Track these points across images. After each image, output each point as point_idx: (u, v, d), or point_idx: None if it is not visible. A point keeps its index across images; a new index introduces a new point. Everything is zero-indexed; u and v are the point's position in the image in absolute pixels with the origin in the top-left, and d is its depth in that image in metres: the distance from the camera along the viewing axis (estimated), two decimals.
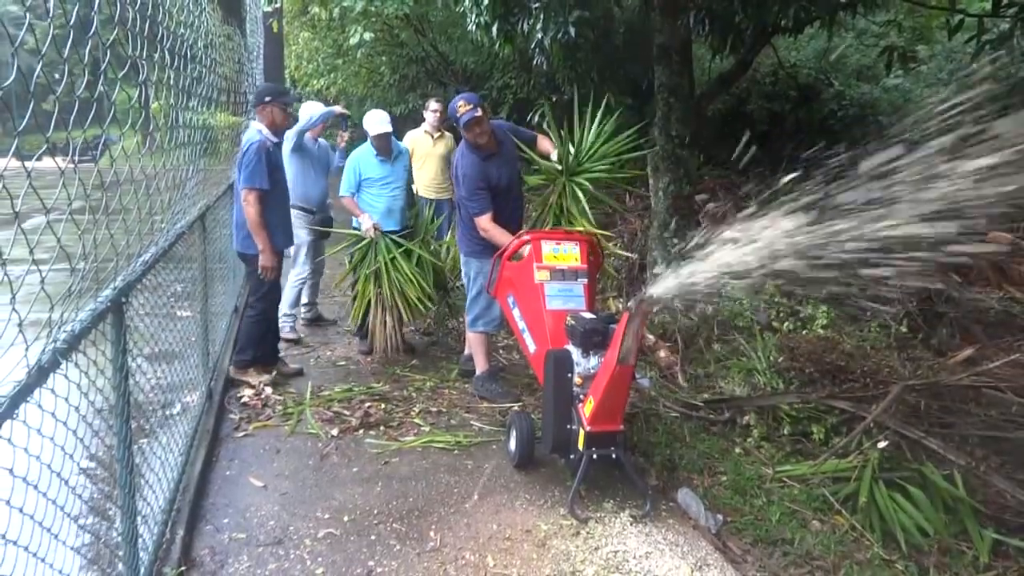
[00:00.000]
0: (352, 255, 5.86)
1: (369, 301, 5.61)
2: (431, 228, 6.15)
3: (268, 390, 5.10)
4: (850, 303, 5.16)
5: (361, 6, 9.20)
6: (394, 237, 5.69)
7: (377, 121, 5.69)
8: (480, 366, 5.21)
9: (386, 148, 5.73)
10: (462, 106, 4.72)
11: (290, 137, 6.17)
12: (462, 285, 5.78)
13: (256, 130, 5.02)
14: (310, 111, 6.26)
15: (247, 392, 5.05)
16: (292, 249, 6.15)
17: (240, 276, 6.95)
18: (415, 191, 7.05)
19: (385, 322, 5.54)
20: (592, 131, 5.18)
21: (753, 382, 5.03)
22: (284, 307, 6.11)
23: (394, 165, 5.79)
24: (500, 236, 4.68)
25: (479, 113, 4.71)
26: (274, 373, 5.31)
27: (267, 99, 5.05)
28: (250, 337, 5.26)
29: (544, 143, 5.18)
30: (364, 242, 5.72)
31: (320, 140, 6.46)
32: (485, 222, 4.78)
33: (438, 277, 6.00)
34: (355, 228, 5.84)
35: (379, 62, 12.34)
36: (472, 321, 5.16)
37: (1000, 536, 3.43)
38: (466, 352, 5.56)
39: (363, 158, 5.76)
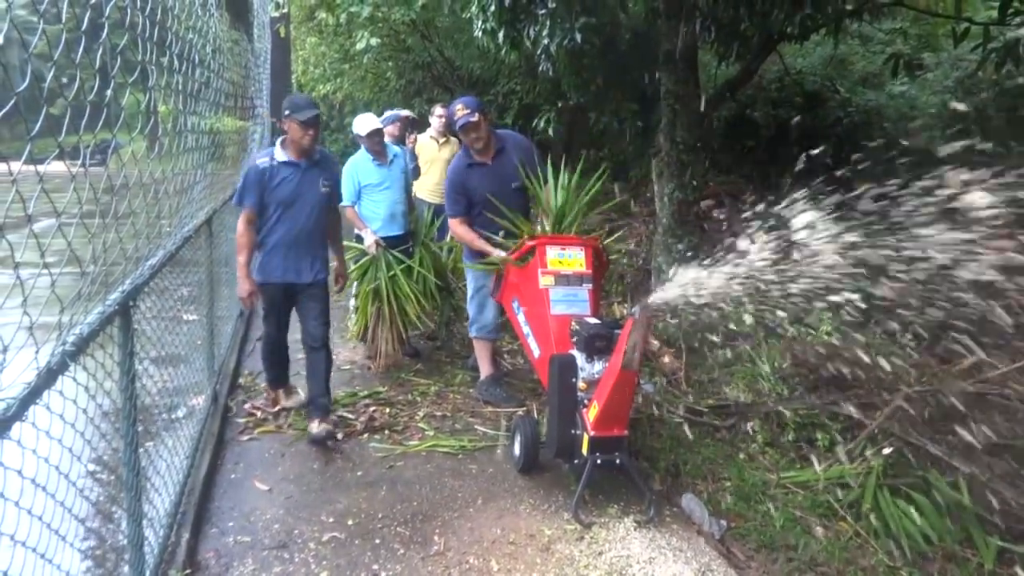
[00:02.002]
0: (357, 268, 5.81)
1: (370, 315, 5.61)
2: (431, 230, 6.15)
3: (292, 407, 4.99)
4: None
5: (368, 12, 9.23)
6: (396, 253, 5.66)
7: (365, 122, 5.72)
8: (484, 371, 5.22)
9: (380, 150, 5.74)
10: (460, 110, 4.76)
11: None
12: (465, 285, 5.82)
13: (271, 147, 4.59)
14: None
15: (259, 402, 5.04)
16: None
17: None
18: (413, 194, 7.10)
19: (387, 338, 5.54)
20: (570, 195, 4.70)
21: (757, 388, 5.03)
22: None
23: (391, 168, 5.78)
24: (466, 235, 4.88)
25: (475, 118, 4.72)
26: (301, 395, 5.03)
27: (286, 112, 4.40)
28: (263, 360, 5.01)
29: (548, 195, 4.76)
30: (366, 257, 5.71)
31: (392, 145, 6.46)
32: (454, 224, 4.98)
33: (440, 278, 5.99)
34: (358, 240, 5.84)
35: (385, 67, 12.36)
36: (470, 326, 5.25)
37: (1005, 543, 3.42)
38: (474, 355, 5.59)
39: (360, 165, 5.74)
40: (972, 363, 5.08)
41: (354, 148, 6.42)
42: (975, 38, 5.53)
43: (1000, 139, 8.59)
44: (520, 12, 6.05)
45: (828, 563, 3.40)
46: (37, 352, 1.89)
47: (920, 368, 4.94)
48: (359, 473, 4.18)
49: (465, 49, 12.03)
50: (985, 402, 4.32)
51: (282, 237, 4.50)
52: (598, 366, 3.84)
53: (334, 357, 6.01)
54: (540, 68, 6.63)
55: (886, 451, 3.91)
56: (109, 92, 2.37)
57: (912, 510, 3.60)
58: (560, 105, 8.63)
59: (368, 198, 5.72)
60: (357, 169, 5.72)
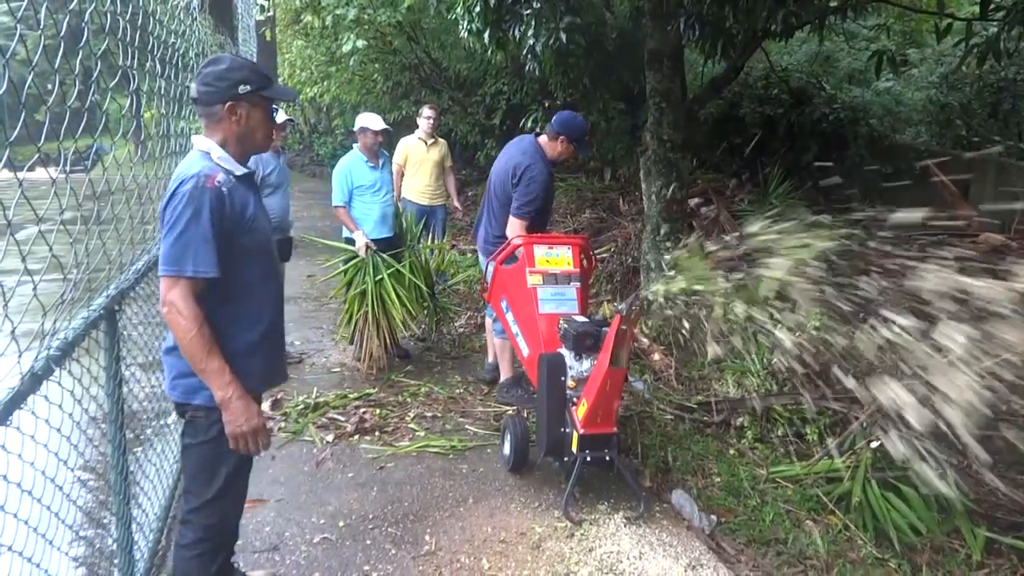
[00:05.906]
0: (346, 269, 5.78)
1: (358, 316, 5.59)
2: (415, 232, 6.14)
3: None
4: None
5: (354, 14, 9.24)
6: (385, 256, 5.60)
7: (377, 119, 5.71)
8: (505, 372, 5.18)
9: (377, 151, 5.75)
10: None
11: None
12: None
13: (199, 152, 2.42)
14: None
15: None
16: None
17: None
18: (402, 196, 7.13)
19: (373, 338, 5.52)
20: None
21: (746, 384, 5.06)
22: None
23: (382, 171, 5.79)
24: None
25: None
26: None
27: (248, 87, 2.39)
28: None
29: None
30: (357, 259, 5.66)
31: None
32: (521, 228, 4.73)
33: (428, 280, 5.97)
34: (348, 242, 5.81)
35: (372, 69, 12.37)
36: (501, 330, 5.01)
37: (992, 534, 3.46)
38: (490, 360, 5.52)
39: (354, 166, 5.70)
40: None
41: (343, 151, 6.41)
42: (958, 34, 5.58)
43: (984, 132, 8.68)
44: (505, 12, 6.06)
45: (817, 556, 3.42)
46: (20, 356, 1.88)
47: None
48: (350, 474, 4.18)
49: (452, 50, 12.05)
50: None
51: (272, 314, 2.59)
52: (586, 364, 3.86)
53: (324, 359, 6.04)
54: (527, 68, 6.65)
55: (874, 444, 3.93)
56: (92, 97, 2.36)
57: (900, 502, 3.63)
58: (547, 105, 8.67)
59: (359, 200, 5.67)
60: (351, 170, 5.67)
